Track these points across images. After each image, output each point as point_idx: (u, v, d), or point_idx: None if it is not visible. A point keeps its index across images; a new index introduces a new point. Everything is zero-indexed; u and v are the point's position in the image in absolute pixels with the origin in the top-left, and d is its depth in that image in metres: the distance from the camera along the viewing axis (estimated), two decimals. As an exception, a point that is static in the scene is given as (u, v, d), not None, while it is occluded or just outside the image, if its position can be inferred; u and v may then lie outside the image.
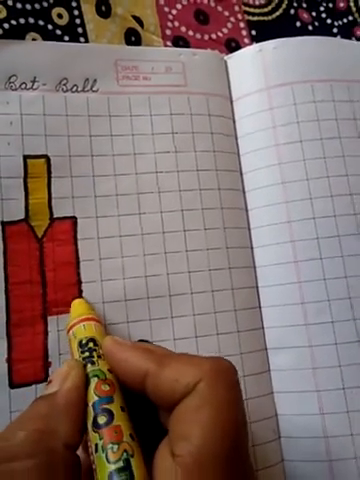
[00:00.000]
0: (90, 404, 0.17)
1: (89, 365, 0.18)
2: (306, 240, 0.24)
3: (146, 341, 0.22)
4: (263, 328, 0.24)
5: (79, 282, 0.22)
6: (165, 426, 0.17)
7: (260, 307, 0.24)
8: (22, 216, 0.22)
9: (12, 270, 0.21)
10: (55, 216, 0.22)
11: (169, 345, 0.22)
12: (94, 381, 0.17)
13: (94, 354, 0.18)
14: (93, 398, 0.17)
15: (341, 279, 0.24)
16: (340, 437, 0.22)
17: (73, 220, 0.22)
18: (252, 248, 0.25)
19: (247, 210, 0.25)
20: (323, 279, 0.24)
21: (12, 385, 0.20)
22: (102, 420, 0.16)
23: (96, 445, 0.16)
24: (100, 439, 0.16)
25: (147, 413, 0.18)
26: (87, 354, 0.18)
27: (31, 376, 0.21)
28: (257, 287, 0.24)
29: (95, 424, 0.16)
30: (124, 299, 0.22)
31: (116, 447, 0.15)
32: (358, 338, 0.23)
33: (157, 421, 0.17)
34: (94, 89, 0.24)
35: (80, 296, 0.22)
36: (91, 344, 0.19)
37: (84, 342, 0.19)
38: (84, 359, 0.18)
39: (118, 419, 0.16)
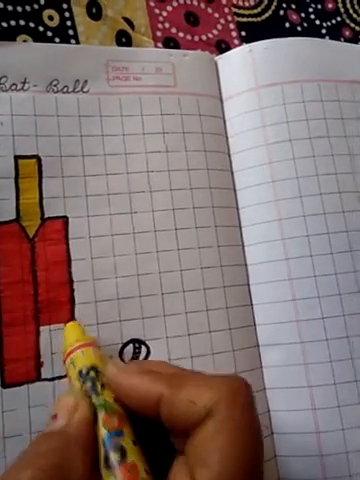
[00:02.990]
0: (100, 440, 0.16)
1: (93, 396, 0.17)
2: (296, 238, 0.24)
3: (138, 340, 0.22)
4: (255, 325, 0.24)
5: (71, 281, 0.22)
6: (176, 447, 0.16)
7: (252, 304, 0.24)
8: (13, 216, 0.22)
9: (3, 270, 0.21)
10: (46, 216, 0.22)
11: (162, 343, 0.22)
12: (101, 414, 0.16)
13: (97, 384, 0.17)
14: (103, 433, 0.16)
15: (331, 276, 0.24)
16: (332, 432, 0.23)
17: (64, 220, 0.23)
18: (243, 246, 0.25)
19: (238, 208, 0.25)
20: (313, 276, 0.24)
21: (4, 385, 0.20)
22: (115, 457, 0.15)
23: None
24: (114, 478, 0.15)
25: (155, 436, 0.17)
26: (89, 384, 0.17)
27: (23, 376, 0.21)
28: (248, 285, 0.25)
29: (107, 462, 0.15)
30: (116, 298, 0.22)
31: None
32: (348, 333, 0.23)
33: (166, 442, 0.17)
34: (85, 90, 0.24)
35: (72, 319, 0.21)
36: (92, 373, 0.18)
37: (85, 371, 0.18)
38: (86, 390, 0.17)
39: (131, 455, 0.15)
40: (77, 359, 0.18)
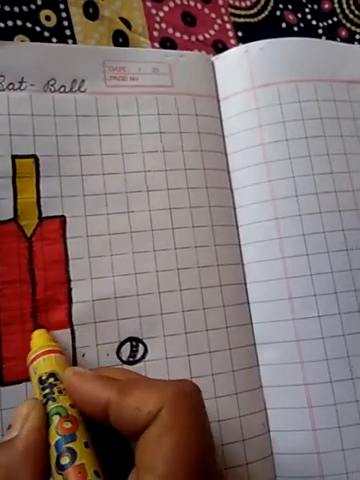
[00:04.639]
0: (53, 444, 0.16)
1: (50, 402, 0.17)
2: (293, 236, 0.24)
3: (136, 338, 0.22)
4: (251, 323, 0.24)
5: (68, 280, 0.22)
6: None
7: (248, 303, 0.24)
8: (11, 216, 0.22)
9: (1, 269, 0.21)
10: (44, 215, 0.22)
11: (159, 342, 0.23)
12: (56, 419, 0.17)
13: (55, 390, 0.18)
14: (55, 437, 0.16)
15: (327, 274, 0.24)
16: (328, 430, 0.23)
17: (62, 219, 0.23)
18: (240, 245, 0.25)
19: (235, 208, 0.26)
20: (310, 274, 0.24)
21: (3, 383, 0.20)
22: (65, 460, 0.16)
23: None
24: None
25: (119, 442, 0.18)
26: (48, 391, 0.18)
27: (22, 374, 0.21)
28: (245, 283, 0.25)
29: (58, 465, 0.16)
30: (114, 296, 0.22)
31: None
32: (344, 332, 0.24)
33: (129, 450, 0.17)
34: (82, 89, 0.24)
35: (40, 326, 0.21)
36: (51, 379, 0.18)
37: (44, 378, 0.18)
38: (45, 396, 0.18)
39: (81, 457, 0.16)
40: (38, 366, 0.19)
